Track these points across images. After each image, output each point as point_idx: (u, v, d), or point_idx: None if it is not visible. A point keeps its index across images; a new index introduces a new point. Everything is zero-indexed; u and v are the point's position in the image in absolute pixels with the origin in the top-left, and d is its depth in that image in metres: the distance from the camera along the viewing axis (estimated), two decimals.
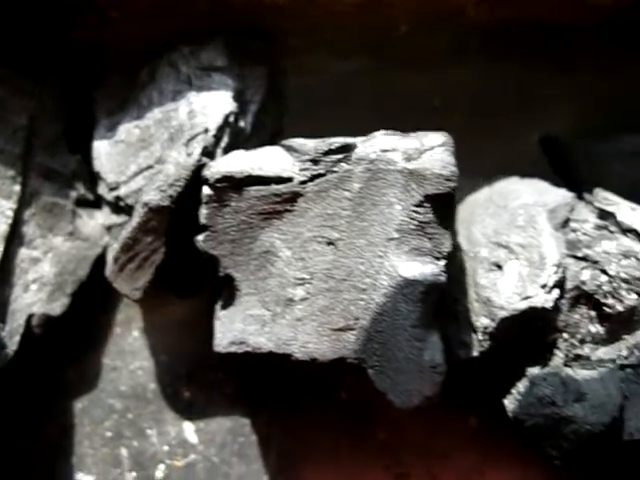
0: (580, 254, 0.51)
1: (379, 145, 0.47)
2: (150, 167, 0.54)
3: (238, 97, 0.55)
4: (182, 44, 0.58)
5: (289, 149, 0.49)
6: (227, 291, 0.51)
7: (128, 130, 0.57)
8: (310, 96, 0.64)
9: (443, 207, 0.45)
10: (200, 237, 0.50)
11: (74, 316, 0.58)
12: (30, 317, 0.55)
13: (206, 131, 0.53)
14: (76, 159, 0.59)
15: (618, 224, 0.51)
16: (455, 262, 0.53)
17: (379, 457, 0.60)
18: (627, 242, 0.50)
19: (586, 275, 0.50)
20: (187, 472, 0.60)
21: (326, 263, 0.48)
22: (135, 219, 0.52)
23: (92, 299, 0.60)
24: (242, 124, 0.56)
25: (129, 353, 0.62)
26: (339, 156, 0.48)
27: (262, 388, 0.61)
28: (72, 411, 0.61)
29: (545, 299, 0.47)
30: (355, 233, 0.47)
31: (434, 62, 0.65)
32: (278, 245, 0.49)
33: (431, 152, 0.46)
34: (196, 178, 0.51)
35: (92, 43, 0.62)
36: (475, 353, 0.50)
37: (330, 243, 0.48)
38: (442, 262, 0.45)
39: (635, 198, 0.55)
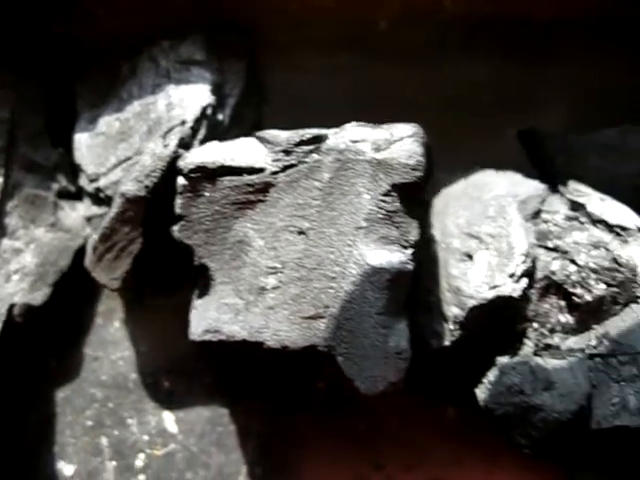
0: (551, 245, 0.51)
1: (349, 136, 0.48)
2: (129, 159, 0.55)
3: (216, 90, 0.56)
4: (163, 39, 0.59)
5: (263, 140, 0.50)
6: (202, 280, 0.52)
7: (108, 123, 0.58)
8: (292, 90, 0.65)
9: (410, 196, 0.45)
10: (175, 227, 0.51)
11: (56, 306, 0.59)
12: (12, 307, 0.56)
13: (183, 123, 0.54)
14: (58, 152, 0.60)
15: (588, 215, 0.51)
16: (428, 253, 0.54)
17: (358, 448, 0.61)
18: (597, 233, 0.51)
19: (556, 265, 0.50)
20: (167, 461, 0.61)
21: (297, 252, 0.48)
22: (113, 209, 0.53)
23: (74, 290, 0.61)
24: (220, 117, 0.56)
25: (110, 343, 0.63)
26: (310, 147, 0.48)
27: (241, 378, 0.62)
28: (54, 400, 0.62)
29: (513, 288, 0.48)
30: (325, 222, 0.48)
31: (414, 57, 0.66)
32: (251, 235, 0.50)
33: (400, 143, 0.47)
34: (172, 169, 0.52)
35: (76, 38, 0.63)
36: (447, 342, 0.50)
37: (301, 232, 0.48)
38: (409, 251, 0.45)
39: (611, 191, 0.56)
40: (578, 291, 0.49)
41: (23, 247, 0.58)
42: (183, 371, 0.62)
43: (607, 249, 0.50)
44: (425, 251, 0.54)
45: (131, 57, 0.60)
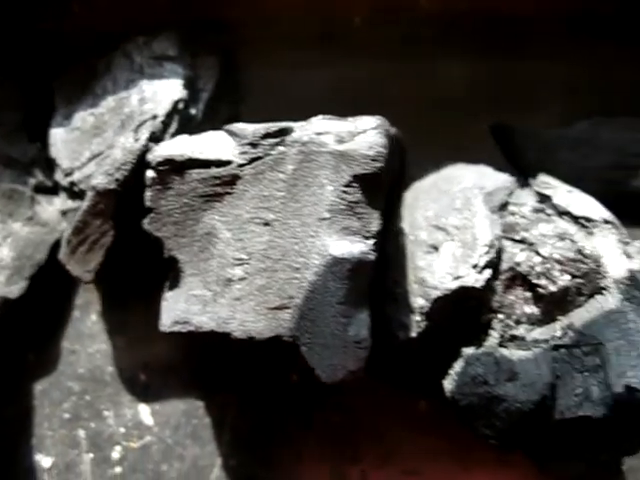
0: (518, 237, 0.52)
1: (314, 129, 0.48)
2: (102, 153, 0.56)
3: (189, 85, 0.57)
4: (138, 35, 0.60)
5: (231, 133, 0.51)
6: (173, 272, 0.52)
7: (83, 118, 0.58)
8: (268, 87, 0.66)
9: (371, 187, 0.46)
10: (145, 219, 0.51)
11: (33, 300, 0.60)
12: None
13: (155, 117, 0.54)
14: (35, 147, 0.61)
15: (554, 207, 0.52)
16: (397, 246, 0.54)
17: (332, 440, 0.61)
18: (563, 224, 0.51)
19: (521, 257, 0.51)
20: (142, 453, 0.61)
21: (263, 243, 0.49)
22: (85, 203, 0.54)
23: (51, 283, 0.62)
24: (193, 111, 0.57)
25: (88, 336, 0.63)
26: (276, 140, 0.49)
27: (216, 371, 0.62)
28: (32, 393, 0.62)
29: (476, 279, 0.48)
30: (290, 214, 0.48)
31: (390, 53, 0.66)
32: (219, 227, 0.50)
33: (364, 135, 0.47)
34: (143, 163, 0.52)
35: (54, 34, 0.64)
36: (413, 334, 0.51)
37: (267, 224, 0.49)
38: (371, 241, 0.46)
39: (581, 184, 0.56)
40: (542, 282, 0.50)
41: (0, 241, 0.58)
42: (159, 364, 0.62)
43: (572, 240, 0.50)
44: (394, 243, 0.54)
45: (107, 53, 0.61)
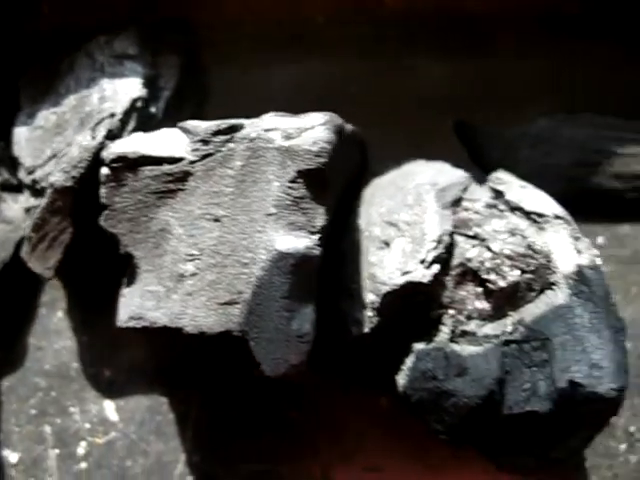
0: (471, 232, 0.52)
1: (263, 125, 0.49)
2: (61, 151, 0.56)
3: (148, 84, 0.58)
4: (100, 35, 0.61)
5: (185, 130, 0.51)
6: (129, 269, 0.53)
7: (46, 117, 0.59)
8: (232, 87, 0.66)
9: (316, 183, 0.46)
10: (101, 216, 0.52)
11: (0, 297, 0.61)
12: None
13: (112, 115, 0.55)
14: (0, 146, 0.62)
15: (507, 202, 0.52)
16: (353, 242, 0.54)
17: (293, 436, 0.61)
18: (514, 220, 0.51)
19: (472, 252, 0.51)
20: (107, 449, 0.62)
21: (213, 239, 0.49)
22: (44, 200, 0.54)
23: (17, 281, 0.63)
24: (153, 110, 0.58)
25: (54, 333, 0.64)
26: (227, 136, 0.49)
27: (180, 368, 0.63)
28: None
29: (423, 274, 0.48)
30: (238, 209, 0.48)
31: (354, 51, 0.66)
32: (172, 223, 0.51)
33: (311, 131, 0.48)
34: (99, 160, 0.53)
35: (22, 34, 0.65)
36: (366, 329, 0.51)
37: (216, 220, 0.49)
38: (316, 236, 0.46)
39: (541, 181, 0.56)
40: (492, 278, 0.50)
41: None
42: (123, 360, 0.63)
43: (523, 236, 0.50)
44: (350, 239, 0.55)
45: (71, 53, 0.61)
